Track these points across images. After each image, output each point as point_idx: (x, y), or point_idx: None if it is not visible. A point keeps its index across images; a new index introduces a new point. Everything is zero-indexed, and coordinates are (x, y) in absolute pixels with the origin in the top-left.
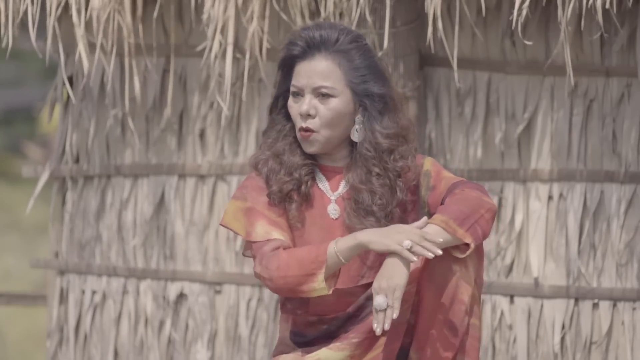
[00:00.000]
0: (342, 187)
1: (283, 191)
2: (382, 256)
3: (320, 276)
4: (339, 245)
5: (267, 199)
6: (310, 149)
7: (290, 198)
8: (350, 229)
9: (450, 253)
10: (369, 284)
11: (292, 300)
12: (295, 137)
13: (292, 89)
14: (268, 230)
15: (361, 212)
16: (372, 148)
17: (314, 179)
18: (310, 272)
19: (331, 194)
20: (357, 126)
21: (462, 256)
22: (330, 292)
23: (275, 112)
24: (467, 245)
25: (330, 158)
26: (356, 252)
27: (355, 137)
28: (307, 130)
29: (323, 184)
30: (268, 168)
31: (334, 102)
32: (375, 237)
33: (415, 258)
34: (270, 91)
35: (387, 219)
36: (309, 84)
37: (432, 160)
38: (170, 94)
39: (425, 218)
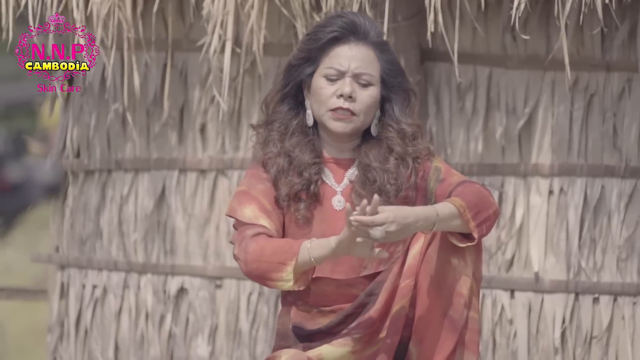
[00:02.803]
0: (346, 179)
1: (291, 193)
2: (384, 246)
3: (290, 267)
4: (312, 244)
5: (264, 187)
6: (345, 130)
7: (299, 198)
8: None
9: (449, 246)
10: (371, 276)
11: (292, 293)
12: (305, 134)
13: (328, 71)
14: (257, 215)
15: (370, 192)
16: (396, 132)
17: (321, 177)
18: (281, 261)
19: (336, 185)
20: (375, 120)
21: (460, 245)
22: (297, 288)
23: (280, 104)
24: (468, 237)
25: (339, 149)
26: (326, 253)
27: (374, 130)
28: (346, 110)
29: (327, 177)
30: (277, 168)
31: (372, 90)
32: (344, 244)
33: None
34: (270, 85)
35: (397, 201)
36: (352, 68)
37: (440, 158)
38: (167, 88)
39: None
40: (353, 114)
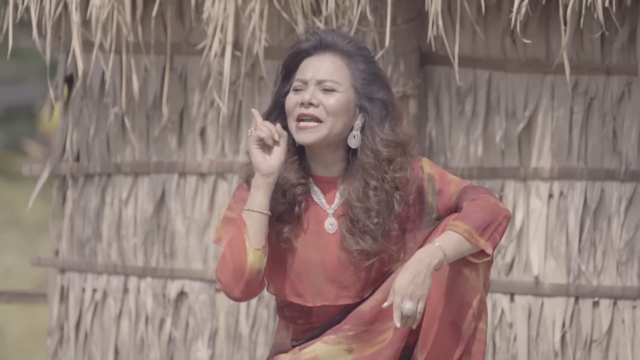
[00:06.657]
0: (337, 199)
1: (274, 213)
2: (383, 271)
3: (250, 251)
4: (248, 204)
5: None
6: (308, 139)
7: (282, 219)
8: (347, 247)
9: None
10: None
11: (291, 309)
12: (291, 153)
13: (295, 83)
14: None
15: (357, 232)
16: (372, 154)
17: (307, 197)
18: (241, 250)
19: (328, 207)
20: (354, 132)
21: (478, 262)
22: (263, 251)
23: (271, 121)
24: (483, 251)
25: (325, 166)
26: (253, 193)
27: (353, 143)
28: (307, 116)
29: (318, 198)
30: None
31: (338, 96)
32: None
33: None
34: (270, 89)
35: (384, 237)
36: (314, 76)
37: (429, 161)
38: (166, 92)
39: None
40: (318, 120)
